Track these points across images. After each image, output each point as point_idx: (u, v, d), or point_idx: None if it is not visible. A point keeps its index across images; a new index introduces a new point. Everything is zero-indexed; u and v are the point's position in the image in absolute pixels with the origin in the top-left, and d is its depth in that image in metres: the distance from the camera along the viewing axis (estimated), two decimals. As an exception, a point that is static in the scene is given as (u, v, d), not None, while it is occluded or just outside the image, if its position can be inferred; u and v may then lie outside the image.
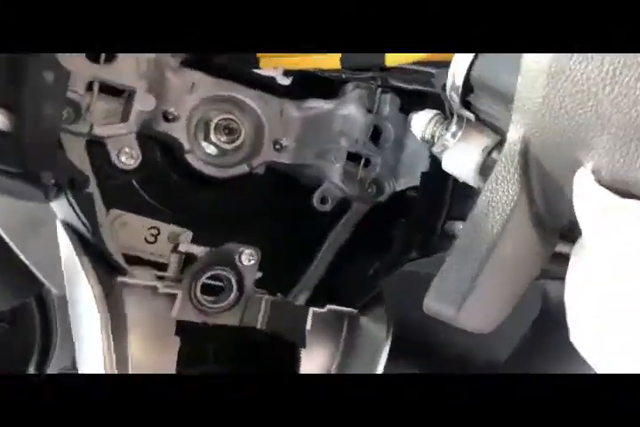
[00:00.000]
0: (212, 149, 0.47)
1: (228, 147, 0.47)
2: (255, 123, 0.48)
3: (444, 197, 0.47)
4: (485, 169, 0.36)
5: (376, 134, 0.50)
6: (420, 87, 0.44)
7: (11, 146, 0.30)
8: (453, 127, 0.35)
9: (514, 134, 0.29)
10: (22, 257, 0.35)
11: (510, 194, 0.30)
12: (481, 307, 0.34)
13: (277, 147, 0.49)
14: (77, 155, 0.38)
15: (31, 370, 0.48)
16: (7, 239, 0.35)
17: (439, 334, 0.33)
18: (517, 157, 0.29)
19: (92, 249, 0.35)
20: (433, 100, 0.46)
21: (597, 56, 0.25)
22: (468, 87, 0.31)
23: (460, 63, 0.31)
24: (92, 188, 0.37)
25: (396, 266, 0.45)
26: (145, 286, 0.38)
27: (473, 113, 0.33)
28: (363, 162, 0.49)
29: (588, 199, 0.29)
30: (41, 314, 0.46)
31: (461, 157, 0.36)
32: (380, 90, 0.48)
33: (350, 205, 0.49)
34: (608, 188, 0.29)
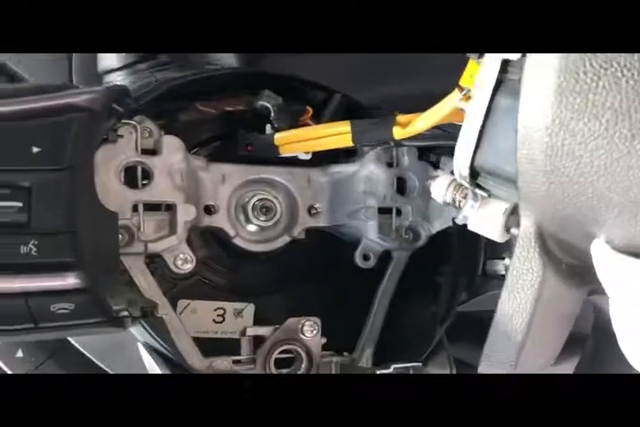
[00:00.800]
0: (254, 228, 0.51)
1: (268, 224, 0.50)
2: (287, 195, 0.51)
3: (479, 237, 0.50)
4: (509, 228, 0.39)
5: (401, 185, 0.52)
6: (430, 144, 0.46)
7: (89, 300, 0.35)
8: (470, 201, 0.38)
9: (525, 221, 0.31)
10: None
11: (535, 270, 0.32)
12: (535, 357, 0.37)
13: (312, 212, 0.52)
14: (140, 272, 0.42)
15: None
16: (98, 363, 0.40)
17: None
18: (533, 238, 0.32)
19: (174, 364, 0.40)
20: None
21: (586, 154, 0.28)
22: (474, 174, 0.34)
23: (461, 156, 0.33)
24: (165, 309, 0.41)
25: (449, 311, 0.48)
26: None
27: (485, 191, 0.35)
28: (394, 213, 0.52)
29: (607, 265, 0.32)
30: None
31: (484, 224, 0.38)
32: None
33: (391, 255, 0.52)
34: (624, 253, 0.31)
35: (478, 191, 0.36)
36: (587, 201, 0.29)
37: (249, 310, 0.52)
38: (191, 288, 0.49)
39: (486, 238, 0.50)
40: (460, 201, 0.41)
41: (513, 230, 0.35)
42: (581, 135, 0.27)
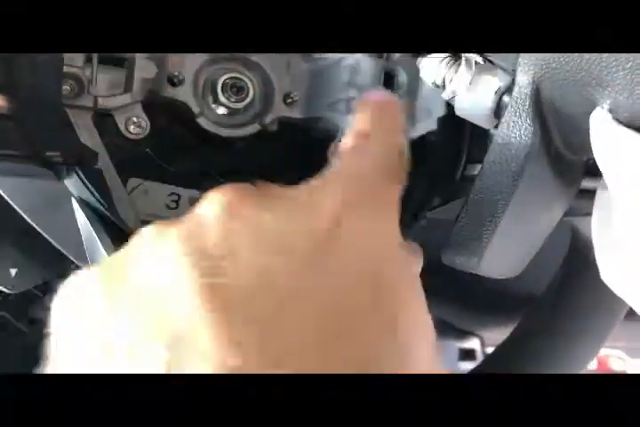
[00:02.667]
0: (222, 110, 0.46)
1: (238, 106, 0.46)
2: (263, 79, 0.47)
3: (462, 140, 0.46)
4: (499, 111, 0.35)
5: (388, 79, 0.48)
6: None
7: (14, 129, 0.30)
8: (462, 71, 0.34)
9: (523, 77, 0.28)
10: (45, 235, 0.36)
11: (524, 139, 0.29)
12: (503, 254, 0.33)
13: (288, 101, 0.48)
14: (85, 129, 0.38)
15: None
16: (28, 219, 0.36)
17: (466, 274, 0.32)
18: (528, 100, 0.28)
19: (109, 222, 0.36)
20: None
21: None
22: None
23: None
24: (104, 161, 0.37)
25: (419, 215, 0.44)
26: None
27: (481, 55, 0.31)
28: (377, 110, 0.48)
29: (606, 138, 0.28)
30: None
31: (473, 102, 0.34)
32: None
33: (368, 154, 0.48)
34: (627, 126, 0.27)
35: (474, 56, 0.32)
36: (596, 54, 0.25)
37: (205, 200, 0.48)
38: (145, 167, 0.45)
39: (469, 140, 0.47)
40: (450, 79, 0.37)
41: (505, 97, 0.31)
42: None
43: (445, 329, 0.97)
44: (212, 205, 0.28)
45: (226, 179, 0.49)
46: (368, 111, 0.34)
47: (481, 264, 0.32)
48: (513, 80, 0.34)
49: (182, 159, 0.47)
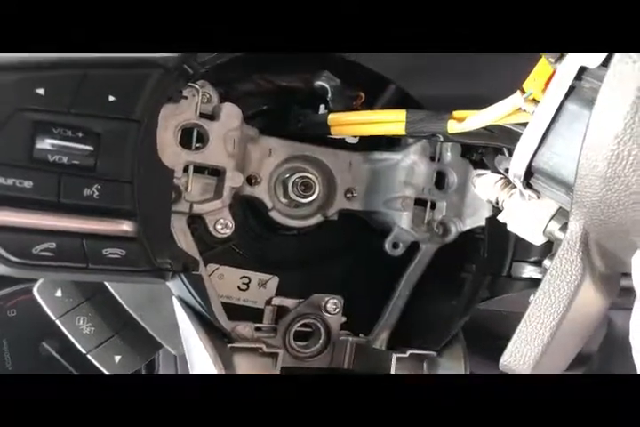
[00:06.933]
0: (291, 204, 0.52)
1: (305, 201, 0.52)
2: (327, 176, 0.53)
3: (508, 239, 0.51)
4: (547, 231, 0.40)
5: (440, 179, 0.53)
6: (479, 142, 0.47)
7: (138, 249, 0.36)
8: (517, 200, 0.39)
9: (574, 224, 0.33)
10: (146, 327, 0.41)
11: (574, 274, 0.34)
12: (551, 362, 0.38)
13: (349, 195, 0.53)
14: (181, 231, 0.44)
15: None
16: (132, 313, 0.41)
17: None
18: (579, 242, 0.33)
19: (205, 320, 0.41)
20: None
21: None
22: (529, 174, 0.35)
23: (521, 155, 0.34)
24: (202, 268, 0.43)
25: (469, 307, 0.49)
26: (251, 348, 0.44)
27: (535, 192, 0.37)
28: (429, 206, 0.53)
29: (646, 276, 0.33)
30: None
31: (525, 225, 0.39)
32: (441, 140, 0.52)
33: (419, 247, 0.53)
34: (664, 266, 0.32)
35: (527, 192, 0.37)
36: (639, 211, 0.30)
37: (273, 281, 0.54)
38: (222, 254, 0.50)
39: (515, 240, 0.51)
40: (503, 200, 0.42)
41: (557, 233, 0.36)
42: (649, 147, 0.28)
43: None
44: None
45: (291, 265, 0.54)
46: None
47: (531, 371, 0.37)
48: (560, 208, 0.39)
49: (255, 248, 0.53)
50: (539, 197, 0.37)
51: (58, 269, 0.34)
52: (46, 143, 0.33)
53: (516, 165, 0.35)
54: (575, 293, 0.34)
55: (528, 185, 0.36)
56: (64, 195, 0.34)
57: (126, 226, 0.36)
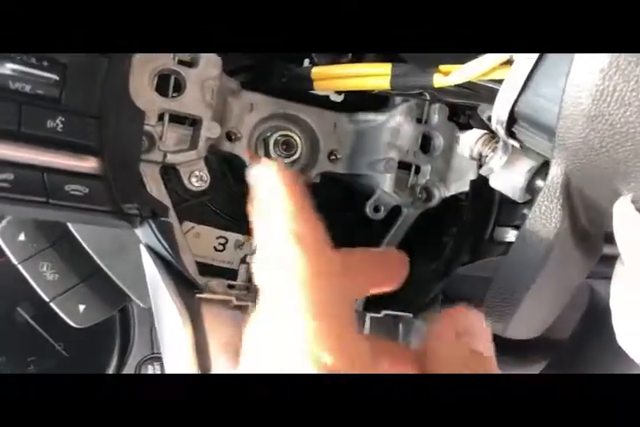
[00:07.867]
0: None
1: (286, 161, 0.50)
2: (311, 137, 0.51)
3: (492, 203, 0.50)
4: (530, 188, 0.38)
5: (426, 142, 0.52)
6: (466, 101, 0.46)
7: (103, 188, 0.35)
8: (499, 153, 0.37)
9: (555, 168, 0.31)
10: (112, 276, 0.40)
11: (554, 222, 0.32)
12: (527, 321, 0.37)
13: (332, 158, 0.52)
14: (153, 181, 0.42)
15: (110, 371, 0.54)
16: (99, 261, 0.40)
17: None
18: (559, 188, 0.32)
19: (173, 269, 0.40)
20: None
21: (636, 102, 0.27)
22: (512, 120, 0.34)
23: (504, 99, 0.33)
24: (171, 214, 0.41)
25: (448, 271, 0.48)
26: (220, 300, 0.42)
27: (518, 141, 0.35)
28: (413, 170, 0.52)
29: (628, 225, 0.32)
30: (121, 320, 0.51)
31: (508, 179, 0.38)
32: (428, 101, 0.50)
33: (401, 211, 0.52)
34: (647, 215, 0.31)
35: (510, 141, 0.35)
36: (623, 153, 0.29)
37: (250, 244, 0.52)
38: (196, 210, 0.49)
39: (499, 205, 0.50)
40: (486, 156, 0.40)
41: (538, 182, 0.34)
42: (635, 82, 0.26)
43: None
44: None
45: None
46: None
47: (507, 329, 0.36)
48: (544, 162, 0.38)
49: (231, 208, 0.51)
50: (522, 147, 0.36)
51: (15, 202, 0.32)
52: (7, 68, 0.32)
53: (500, 109, 0.33)
54: (554, 243, 0.32)
55: (511, 134, 0.35)
56: (25, 125, 0.32)
57: (90, 162, 0.34)
